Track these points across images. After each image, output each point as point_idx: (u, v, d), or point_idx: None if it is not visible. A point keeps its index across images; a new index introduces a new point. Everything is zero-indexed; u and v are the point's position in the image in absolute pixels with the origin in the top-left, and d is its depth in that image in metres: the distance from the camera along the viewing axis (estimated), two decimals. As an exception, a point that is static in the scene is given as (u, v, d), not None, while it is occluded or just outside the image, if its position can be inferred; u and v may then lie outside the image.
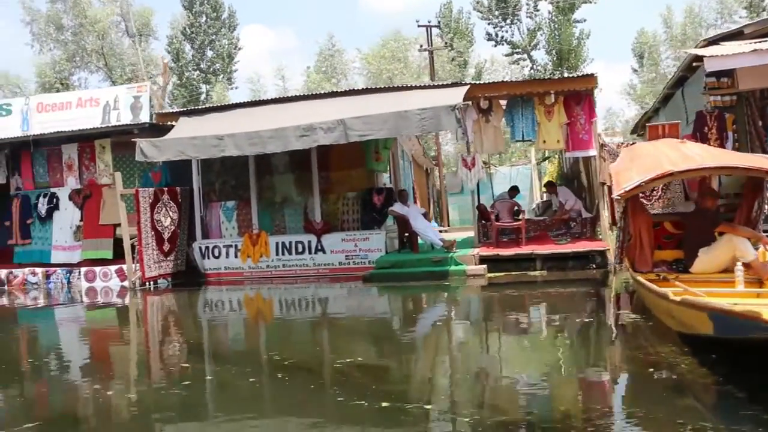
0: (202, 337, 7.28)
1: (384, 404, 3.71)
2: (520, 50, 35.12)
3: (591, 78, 10.27)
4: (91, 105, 11.72)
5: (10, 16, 58.33)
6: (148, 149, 10.04)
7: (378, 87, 11.93)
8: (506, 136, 12.82)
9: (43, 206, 12.46)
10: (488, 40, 35.13)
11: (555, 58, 33.62)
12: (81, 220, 12.24)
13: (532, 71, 34.68)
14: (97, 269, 11.77)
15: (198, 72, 34.27)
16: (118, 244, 11.99)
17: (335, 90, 12.51)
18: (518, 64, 35.56)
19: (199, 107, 12.20)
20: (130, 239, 10.87)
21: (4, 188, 12.94)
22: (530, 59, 35.40)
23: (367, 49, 30.39)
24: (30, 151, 12.63)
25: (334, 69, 31.36)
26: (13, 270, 12.42)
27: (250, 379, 4.76)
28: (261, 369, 5.12)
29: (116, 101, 11.53)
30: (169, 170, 11.86)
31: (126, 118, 11.37)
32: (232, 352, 6.16)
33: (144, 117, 11.35)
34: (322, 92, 12.06)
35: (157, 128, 11.63)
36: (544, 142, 10.71)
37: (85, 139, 12.23)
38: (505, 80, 12.43)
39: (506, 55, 35.48)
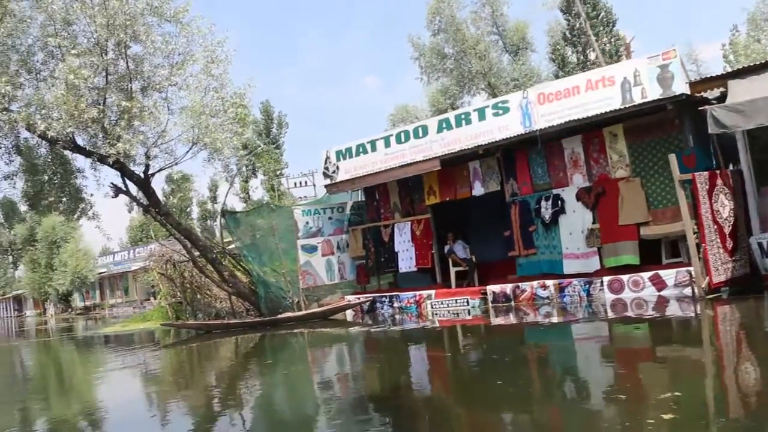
0: None
1: None
2: None
3: None
4: (604, 85, 12.84)
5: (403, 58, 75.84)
6: (726, 117, 10.37)
7: None
8: None
9: (546, 211, 14.11)
10: None
11: None
12: (594, 223, 13.44)
13: None
14: (624, 278, 12.62)
15: (581, 76, 36.64)
16: (643, 246, 12.84)
17: None
18: None
19: (753, 64, 12.34)
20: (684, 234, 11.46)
21: (500, 195, 15.14)
22: None
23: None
24: (525, 151, 14.57)
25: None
26: (520, 284, 14.23)
27: None
28: None
29: (636, 76, 12.44)
30: (702, 150, 12.22)
31: (653, 94, 12.15)
32: None
33: (678, 88, 11.95)
34: None
35: (690, 102, 12.17)
36: None
37: (590, 129, 13.54)
38: None
39: None
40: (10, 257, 75.25)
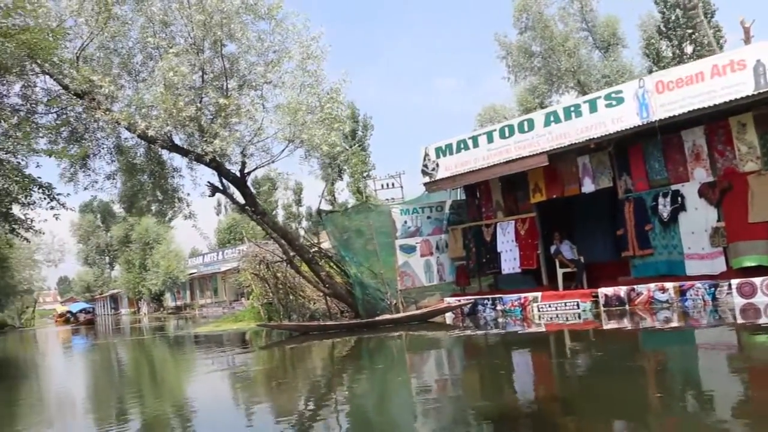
0: None
1: None
2: None
3: None
4: (733, 70, 12.01)
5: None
6: None
7: None
8: None
9: (664, 208, 13.42)
10: None
11: None
12: (719, 221, 12.69)
13: None
14: (757, 281, 11.79)
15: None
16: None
17: None
18: None
19: None
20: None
21: (611, 192, 14.54)
22: None
23: None
24: (640, 145, 13.91)
25: None
26: (635, 286, 13.58)
27: None
28: None
29: (774, 59, 11.68)
30: None
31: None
32: None
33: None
34: None
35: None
36: None
37: (714, 120, 12.76)
38: None
39: None
40: (107, 258, 79.18)
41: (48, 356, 25.41)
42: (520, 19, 35.00)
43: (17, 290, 47.30)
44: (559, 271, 15.24)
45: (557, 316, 14.41)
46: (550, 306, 14.74)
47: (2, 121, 15.30)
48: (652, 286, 13.28)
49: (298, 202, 63.65)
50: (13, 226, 16.59)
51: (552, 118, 14.81)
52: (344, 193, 51.65)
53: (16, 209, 16.40)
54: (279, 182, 19.64)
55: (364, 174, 47.88)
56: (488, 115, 40.65)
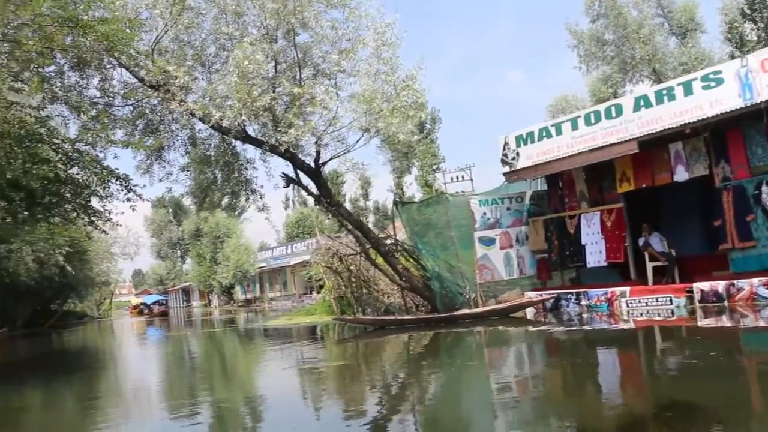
0: None
1: None
2: None
3: None
4: None
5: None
6: None
7: None
8: None
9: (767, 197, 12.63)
10: None
11: None
12: (834, 210, 11.84)
13: None
14: None
15: (767, 50, 34.11)
16: None
17: None
18: None
19: None
20: None
21: (704, 180, 13.74)
22: None
23: None
24: (741, 129, 13.09)
25: None
26: (735, 281, 12.78)
27: None
28: None
29: None
30: None
31: None
32: None
33: None
34: None
35: None
36: None
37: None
38: None
39: None
40: (179, 251, 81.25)
41: (125, 347, 25.95)
42: (592, 7, 34.54)
43: (95, 282, 48.99)
44: (649, 265, 14.52)
45: (648, 312, 13.73)
46: (639, 301, 14.06)
47: (82, 113, 15.49)
48: (755, 281, 12.47)
49: (366, 197, 63.74)
50: (92, 218, 16.79)
51: (642, 103, 14.09)
52: (412, 187, 51.39)
53: (94, 201, 16.62)
54: (355, 172, 19.13)
55: (434, 167, 47.52)
56: (560, 105, 40.15)
